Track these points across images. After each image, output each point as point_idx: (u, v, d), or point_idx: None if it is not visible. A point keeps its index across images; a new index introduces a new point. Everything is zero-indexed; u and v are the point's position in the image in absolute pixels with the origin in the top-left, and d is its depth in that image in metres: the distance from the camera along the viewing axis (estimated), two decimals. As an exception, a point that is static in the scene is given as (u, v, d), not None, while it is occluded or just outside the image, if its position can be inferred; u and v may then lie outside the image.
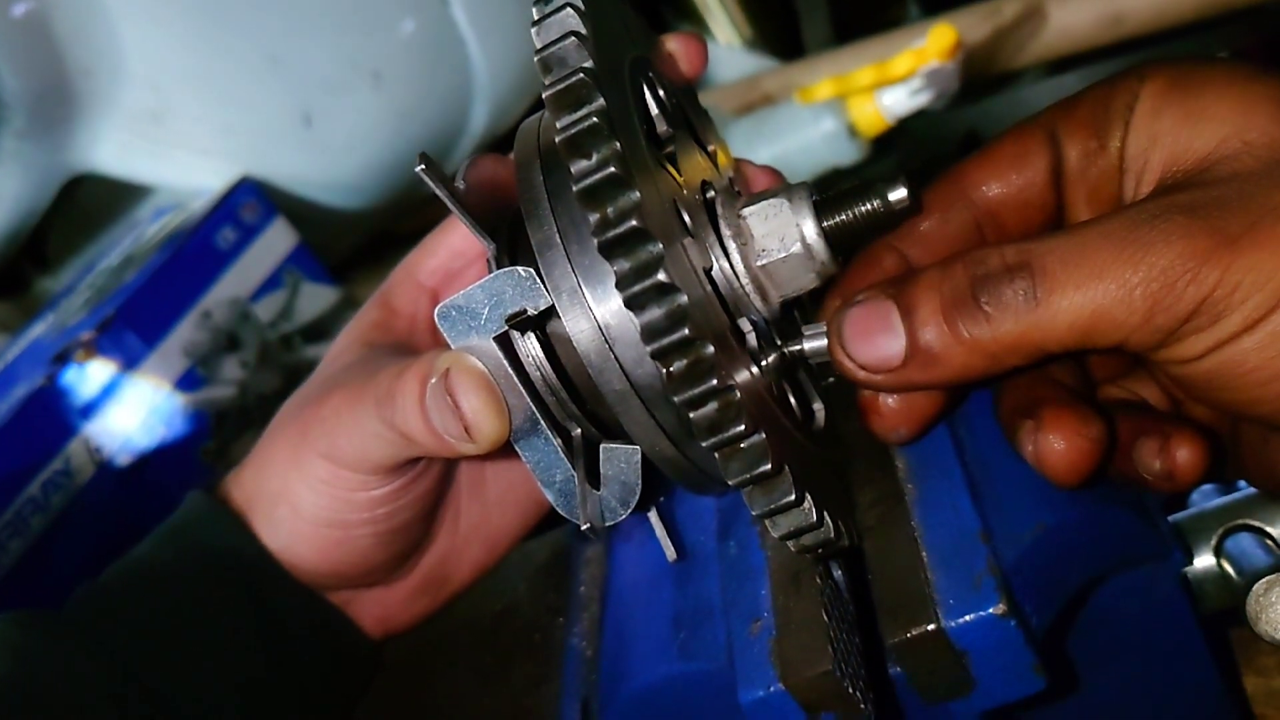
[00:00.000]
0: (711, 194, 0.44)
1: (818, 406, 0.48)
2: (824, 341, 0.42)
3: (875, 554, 0.42)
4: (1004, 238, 0.46)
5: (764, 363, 0.43)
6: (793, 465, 0.38)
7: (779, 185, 0.44)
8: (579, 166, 0.36)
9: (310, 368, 1.06)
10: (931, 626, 0.39)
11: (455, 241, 0.56)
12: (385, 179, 1.12)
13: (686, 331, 0.35)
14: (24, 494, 0.84)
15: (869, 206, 0.43)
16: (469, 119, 1.13)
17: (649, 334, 0.36)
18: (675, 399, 0.36)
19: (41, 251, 1.22)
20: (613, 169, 0.35)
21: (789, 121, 0.98)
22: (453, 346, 0.42)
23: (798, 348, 0.43)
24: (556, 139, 0.36)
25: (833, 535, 0.40)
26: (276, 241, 1.04)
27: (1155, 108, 0.41)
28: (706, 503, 0.50)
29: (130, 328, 0.92)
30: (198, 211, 1.01)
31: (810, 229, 0.42)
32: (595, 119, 0.36)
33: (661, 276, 0.35)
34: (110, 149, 1.02)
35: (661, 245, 0.36)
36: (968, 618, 0.39)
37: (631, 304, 0.36)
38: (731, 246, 0.43)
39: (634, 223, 0.35)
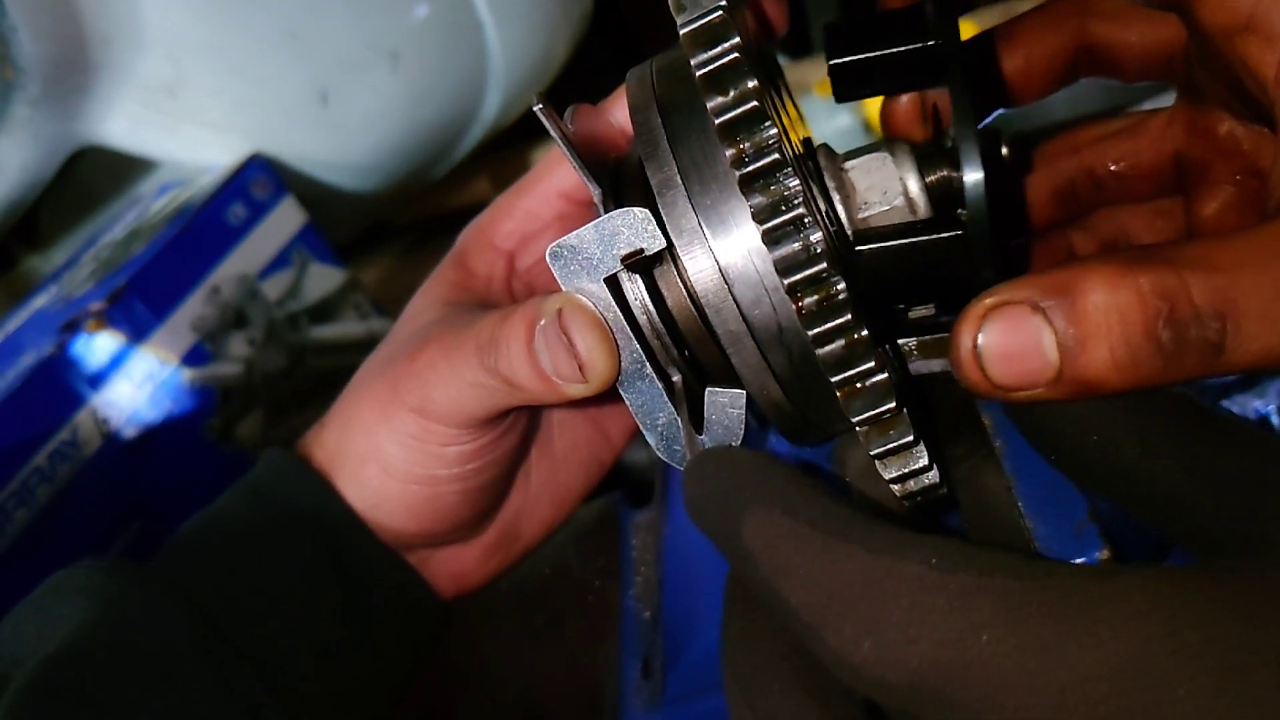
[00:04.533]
0: (813, 146, 0.45)
1: None
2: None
3: (970, 504, 0.43)
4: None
5: None
6: (910, 408, 0.39)
7: (879, 141, 0.45)
8: (717, 102, 0.37)
9: (316, 348, 1.07)
10: (1038, 570, 0.39)
11: (530, 204, 0.56)
12: (395, 162, 1.11)
13: (824, 265, 0.36)
14: (31, 463, 0.83)
15: (969, 163, 0.44)
16: (481, 106, 1.13)
17: (785, 268, 0.37)
18: (809, 333, 0.37)
19: (31, 228, 1.21)
20: (754, 103, 0.36)
21: (806, 115, 0.99)
22: (563, 287, 0.43)
23: (904, 306, 0.44)
24: (696, 74, 0.37)
25: (938, 480, 0.41)
26: (286, 220, 1.03)
27: None
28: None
29: (140, 299, 0.91)
30: (206, 187, 1.00)
31: (914, 183, 0.43)
32: (736, 54, 0.37)
33: (801, 210, 0.36)
34: (121, 121, 1.01)
35: (799, 181, 0.36)
36: (1074, 563, 0.39)
37: (769, 237, 0.37)
38: (835, 199, 0.43)
39: (775, 156, 0.36)
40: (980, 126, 0.39)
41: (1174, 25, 0.46)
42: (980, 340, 0.35)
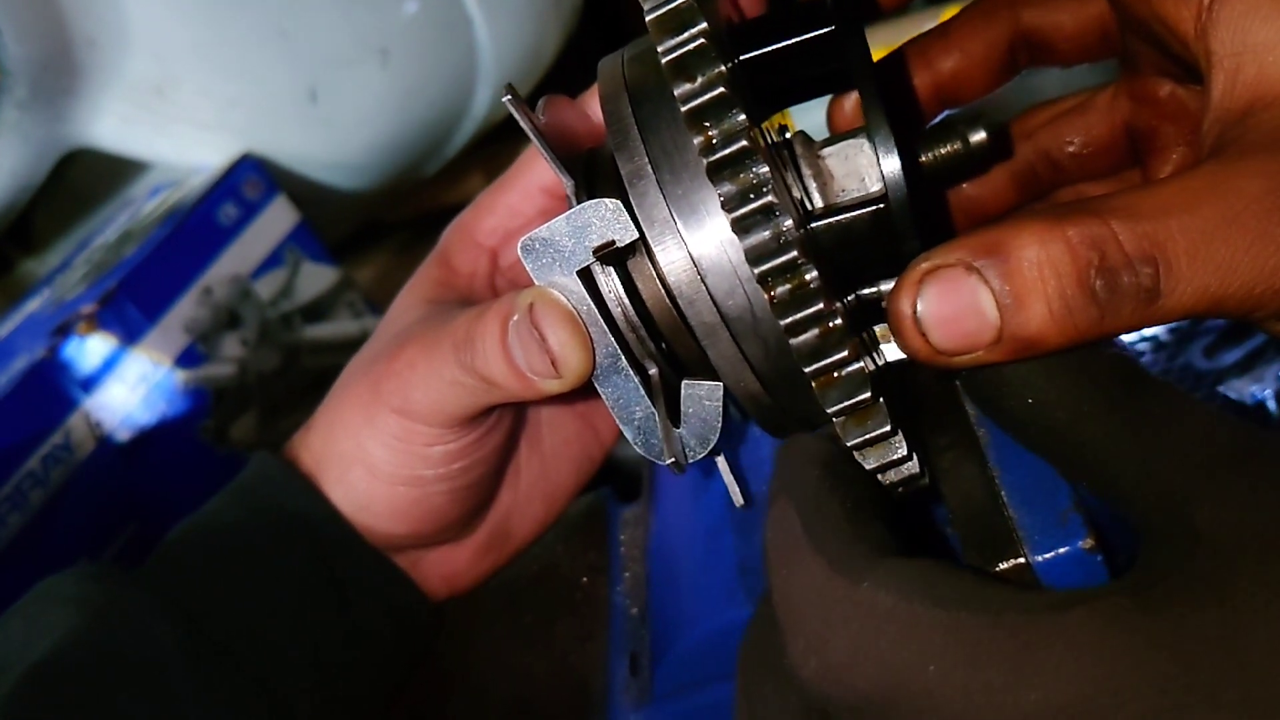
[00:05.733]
0: (788, 134, 0.44)
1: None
2: None
3: (954, 494, 0.42)
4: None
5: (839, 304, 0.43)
6: (886, 398, 0.38)
7: (857, 127, 0.44)
8: (684, 89, 0.36)
9: (310, 348, 1.06)
10: (1020, 560, 0.39)
11: (513, 200, 0.55)
12: (387, 159, 1.11)
13: (795, 253, 0.35)
14: (23, 468, 0.82)
15: (949, 148, 0.43)
16: (472, 102, 1.12)
17: (756, 257, 0.36)
18: (782, 323, 0.36)
19: (26, 231, 1.20)
20: (722, 89, 0.35)
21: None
22: (535, 281, 0.42)
23: (874, 290, 0.43)
24: (662, 61, 0.36)
25: (918, 470, 0.40)
26: (278, 219, 1.03)
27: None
28: (766, 452, 0.50)
29: (132, 301, 0.90)
30: (197, 188, 1.00)
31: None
32: (702, 40, 0.36)
33: (771, 198, 0.35)
34: (110, 123, 1.00)
35: (768, 167, 0.36)
36: (1057, 552, 0.39)
37: (738, 226, 0.36)
38: (812, 186, 0.43)
39: (744, 143, 0.35)
40: (932, 124, 0.39)
41: (1102, 2, 0.46)
42: (919, 306, 0.35)
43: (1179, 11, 0.37)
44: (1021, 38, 0.51)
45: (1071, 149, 0.52)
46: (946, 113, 0.53)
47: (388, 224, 1.34)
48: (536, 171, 0.54)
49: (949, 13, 0.95)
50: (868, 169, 0.42)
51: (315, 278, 1.06)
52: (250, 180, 1.01)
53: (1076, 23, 0.49)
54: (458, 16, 1.06)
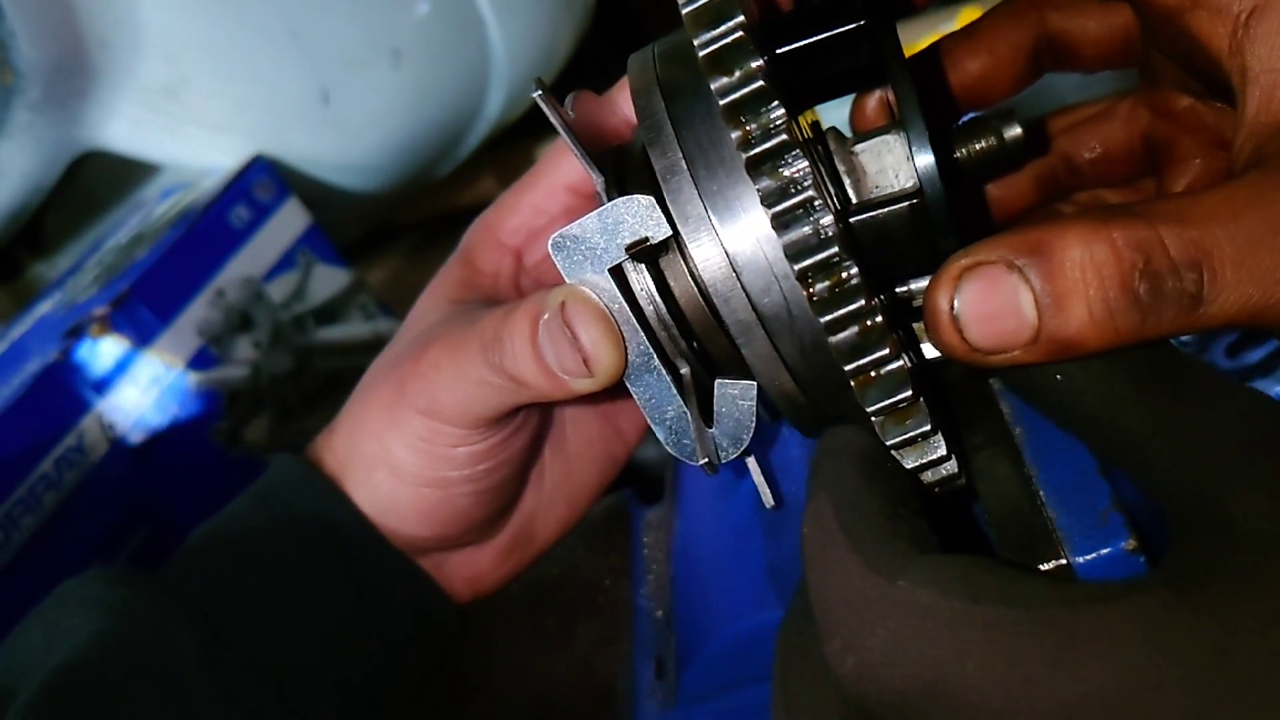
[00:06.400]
0: (822, 130, 0.44)
1: None
2: None
3: (990, 494, 0.41)
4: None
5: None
6: (926, 396, 0.37)
7: (886, 124, 0.44)
8: (721, 83, 0.35)
9: (322, 350, 1.06)
10: (1062, 562, 0.38)
11: (537, 198, 0.54)
12: (399, 161, 1.10)
13: (836, 249, 0.35)
14: (37, 470, 0.82)
15: (983, 143, 0.42)
16: (485, 102, 1.12)
17: (795, 253, 0.35)
18: (821, 320, 0.36)
19: (37, 235, 1.20)
20: (761, 83, 0.35)
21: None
22: (566, 279, 0.41)
23: (905, 288, 0.42)
24: (699, 54, 0.36)
25: (956, 470, 0.39)
26: (290, 221, 1.02)
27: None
28: (796, 453, 0.49)
29: (144, 304, 0.90)
30: (209, 190, 1.00)
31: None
32: (740, 33, 0.35)
33: (811, 193, 0.35)
34: (122, 125, 1.00)
35: (808, 163, 0.35)
36: (1099, 553, 0.38)
37: (778, 221, 0.35)
38: (846, 182, 0.42)
39: (784, 137, 0.35)
40: (962, 121, 0.39)
41: (1129, 11, 0.46)
42: (957, 303, 0.35)
43: (1213, 27, 0.37)
44: (1046, 41, 0.50)
45: (1091, 155, 0.52)
46: (970, 115, 0.53)
47: (400, 226, 1.34)
48: (561, 169, 0.54)
49: (965, 13, 0.95)
50: (900, 165, 0.42)
51: (327, 280, 1.06)
52: (262, 182, 1.01)
53: (1102, 30, 0.49)
54: (470, 17, 1.05)
